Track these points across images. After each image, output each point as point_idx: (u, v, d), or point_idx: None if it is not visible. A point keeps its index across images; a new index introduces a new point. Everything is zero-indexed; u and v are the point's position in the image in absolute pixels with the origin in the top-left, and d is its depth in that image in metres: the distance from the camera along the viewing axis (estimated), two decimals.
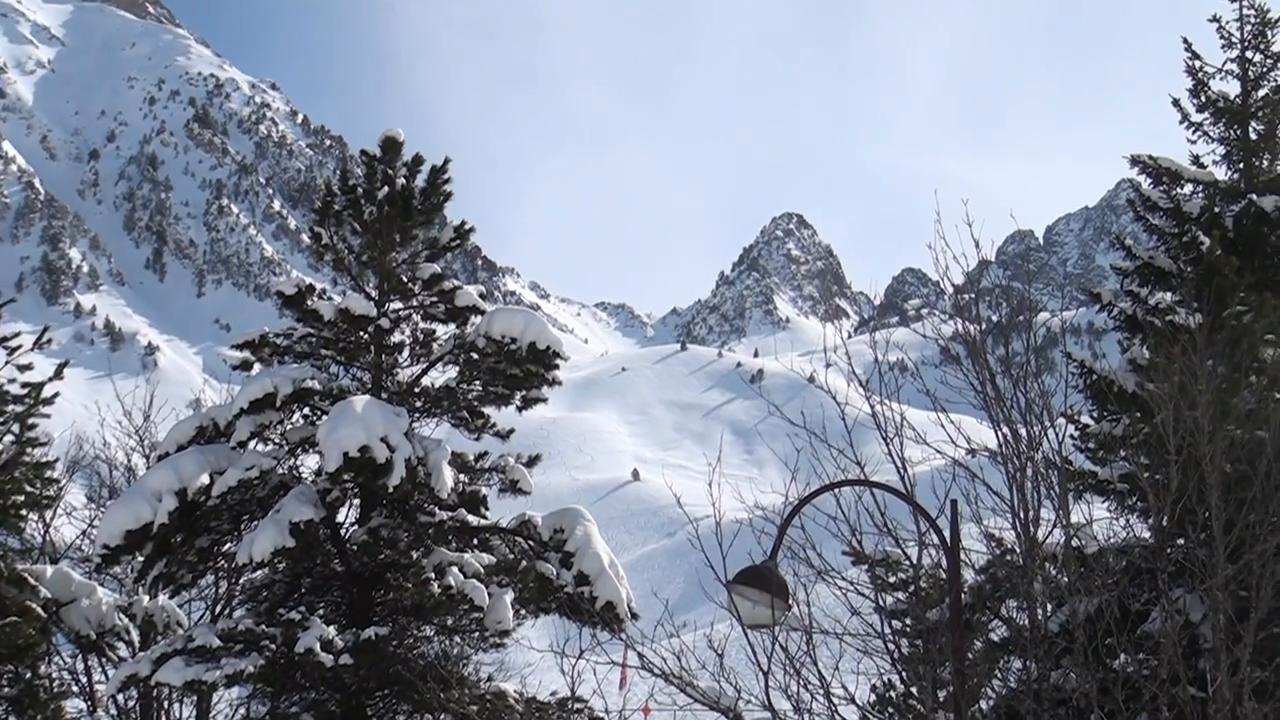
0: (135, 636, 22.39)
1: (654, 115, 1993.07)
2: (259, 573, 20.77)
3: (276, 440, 20.66)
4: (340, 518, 20.65)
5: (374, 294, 21.60)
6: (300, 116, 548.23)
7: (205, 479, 19.19)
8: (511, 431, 22.78)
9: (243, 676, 18.60)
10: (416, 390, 21.62)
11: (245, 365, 21.29)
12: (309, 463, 21.14)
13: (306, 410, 20.91)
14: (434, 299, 21.65)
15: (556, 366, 21.15)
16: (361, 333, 21.11)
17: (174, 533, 19.19)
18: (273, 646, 18.83)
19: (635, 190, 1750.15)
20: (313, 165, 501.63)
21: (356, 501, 20.84)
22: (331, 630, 19.00)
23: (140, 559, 19.86)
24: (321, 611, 20.82)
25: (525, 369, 20.94)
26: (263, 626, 19.06)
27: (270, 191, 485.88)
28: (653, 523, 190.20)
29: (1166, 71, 20.49)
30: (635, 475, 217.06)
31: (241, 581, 22.72)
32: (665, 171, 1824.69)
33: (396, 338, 21.70)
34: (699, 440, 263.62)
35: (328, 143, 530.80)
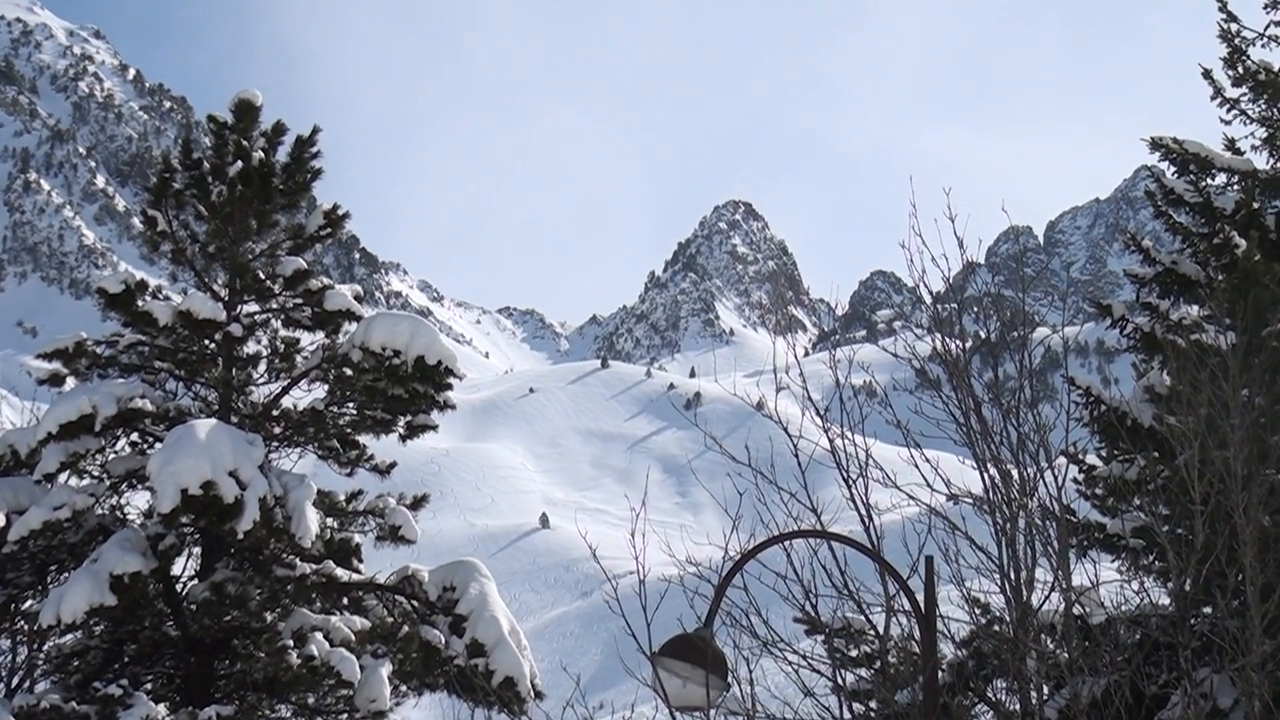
0: None
1: (578, 75, 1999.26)
2: (69, 637, 20.52)
3: (95, 473, 20.45)
4: (176, 570, 20.47)
5: (223, 293, 21.46)
6: (132, 72, 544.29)
7: (0, 519, 18.95)
8: (393, 465, 22.71)
9: None
10: (275, 413, 21.47)
11: (56, 379, 21.05)
12: (137, 502, 20.93)
13: (135, 436, 20.72)
14: (298, 300, 21.54)
15: (450, 386, 21.10)
16: (207, 341, 20.95)
17: None
18: None
19: (551, 170, 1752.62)
20: (147, 133, 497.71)
21: (197, 550, 20.67)
22: (161, 709, 18.81)
23: None
24: (149, 685, 20.61)
25: (411, 388, 20.86)
26: (73, 703, 18.83)
27: (92, 164, 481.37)
28: (564, 580, 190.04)
29: (1201, 36, 20.57)
30: (544, 521, 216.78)
31: (46, 648, 22.44)
32: (588, 147, 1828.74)
33: (251, 348, 21.56)
34: (622, 479, 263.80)
35: (167, 105, 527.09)
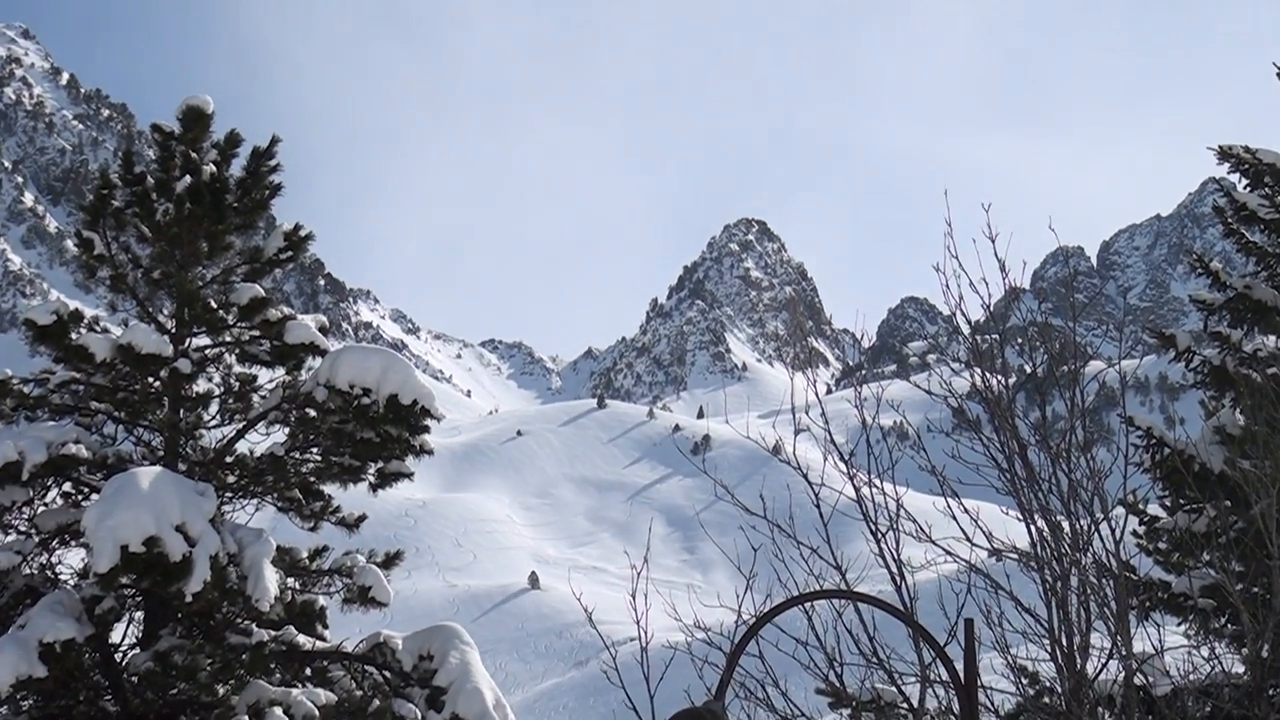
0: None
1: (574, 78, 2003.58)
2: None
3: (22, 528, 20.41)
4: (115, 637, 20.40)
5: (170, 325, 21.44)
6: (65, 76, 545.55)
7: None
8: (362, 518, 22.66)
9: None
10: (228, 460, 21.45)
11: None
12: (71, 560, 20.89)
13: (68, 486, 20.67)
14: (255, 332, 21.52)
15: (427, 428, 21.07)
16: (151, 378, 20.94)
17: None
18: None
19: (541, 187, 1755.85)
20: (83, 144, 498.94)
21: (139, 615, 20.61)
22: None
23: None
24: None
25: (382, 431, 20.84)
26: None
27: (19, 180, 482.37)
28: (556, 647, 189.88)
29: (1275, 33, 20.48)
30: (534, 581, 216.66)
31: None
32: (583, 161, 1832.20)
33: (201, 386, 21.53)
34: (621, 533, 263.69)
35: (105, 113, 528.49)
